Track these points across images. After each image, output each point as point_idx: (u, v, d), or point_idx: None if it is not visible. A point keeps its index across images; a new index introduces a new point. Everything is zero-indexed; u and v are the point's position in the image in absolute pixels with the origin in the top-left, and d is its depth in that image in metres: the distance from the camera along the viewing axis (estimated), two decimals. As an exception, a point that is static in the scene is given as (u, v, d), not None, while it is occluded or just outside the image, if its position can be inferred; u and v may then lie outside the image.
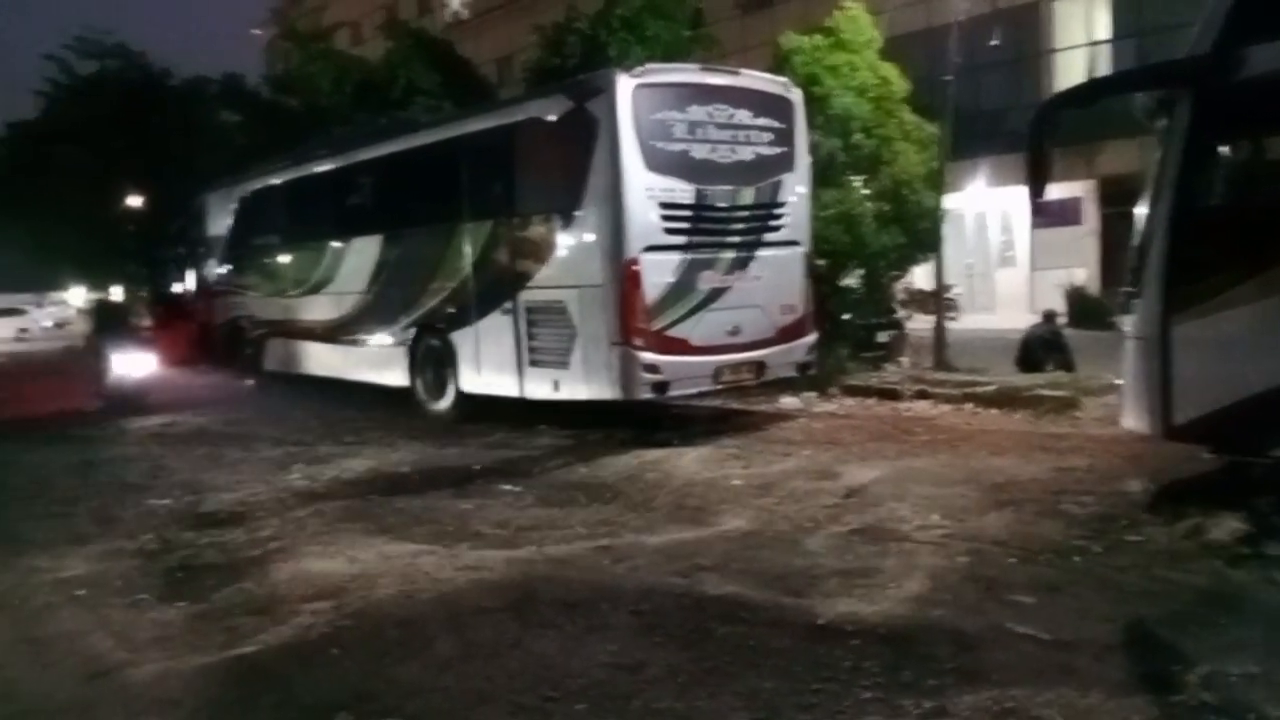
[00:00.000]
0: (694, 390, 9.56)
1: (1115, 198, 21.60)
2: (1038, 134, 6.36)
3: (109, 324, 14.64)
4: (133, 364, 13.30)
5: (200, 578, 5.69)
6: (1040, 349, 12.04)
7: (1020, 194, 23.22)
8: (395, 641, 4.56)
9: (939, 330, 12.35)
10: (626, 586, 5.21)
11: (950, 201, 13.43)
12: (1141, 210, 6.17)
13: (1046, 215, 20.84)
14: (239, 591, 5.39)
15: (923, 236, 12.66)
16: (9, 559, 6.18)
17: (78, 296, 48.44)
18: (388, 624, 4.77)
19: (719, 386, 9.62)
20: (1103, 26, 23.04)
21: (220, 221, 15.86)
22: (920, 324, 14.76)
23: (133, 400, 13.04)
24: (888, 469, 7.69)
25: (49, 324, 45.99)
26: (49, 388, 15.97)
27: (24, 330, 43.03)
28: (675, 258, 9.13)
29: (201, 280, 16.76)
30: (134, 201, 25.12)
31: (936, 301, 12.60)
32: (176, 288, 18.09)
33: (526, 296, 9.86)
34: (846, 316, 12.42)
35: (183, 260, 17.56)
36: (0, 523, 7.30)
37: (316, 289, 13.39)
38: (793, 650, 4.26)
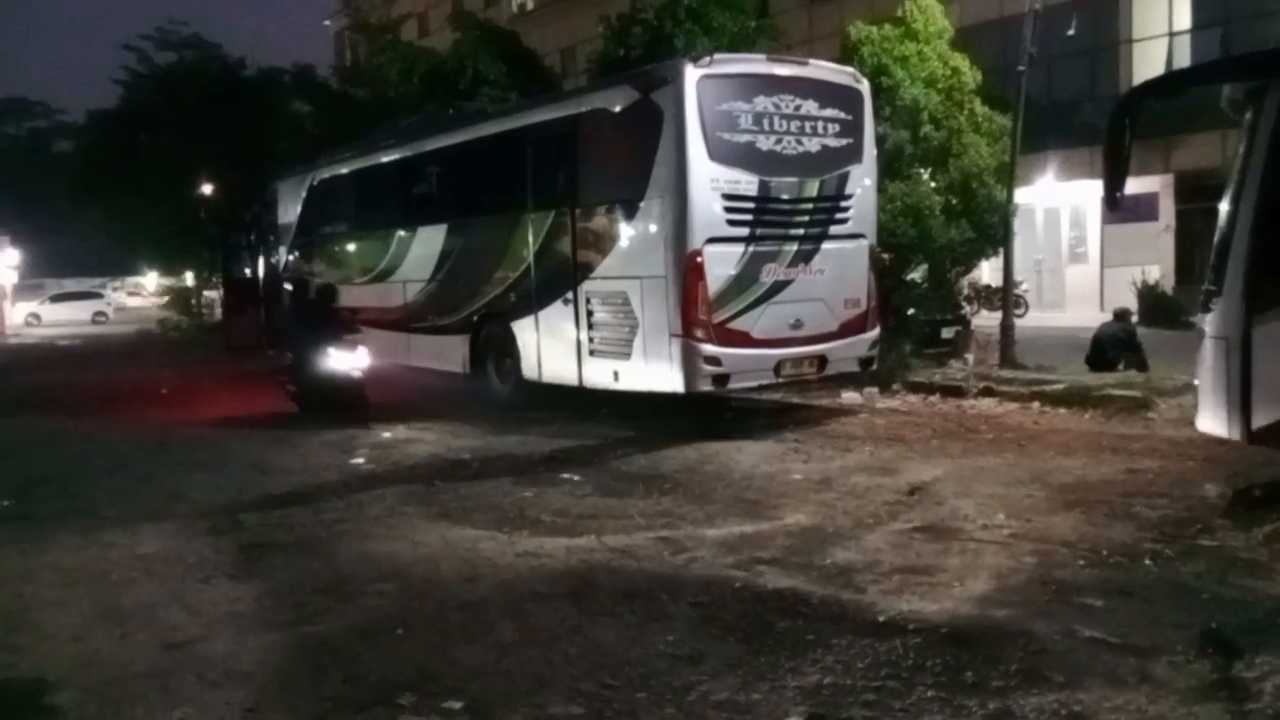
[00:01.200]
0: (754, 383, 9.52)
1: (1192, 192, 20.97)
2: (1118, 126, 6.19)
3: (305, 308, 11.63)
4: (345, 359, 10.67)
5: (269, 556, 5.83)
6: (1112, 347, 11.73)
7: (1094, 188, 22.69)
8: (457, 624, 4.62)
9: (1006, 327, 12.10)
10: (686, 578, 5.22)
11: (1020, 196, 13.13)
12: (1224, 206, 5.97)
13: (1122, 210, 20.29)
14: (306, 570, 5.52)
15: (992, 231, 12.41)
16: (90, 534, 6.39)
17: (151, 281, 49.97)
18: (450, 607, 4.84)
19: (780, 380, 9.56)
20: (1184, 16, 22.31)
21: (290, 209, 16.17)
22: (986, 320, 14.50)
23: (347, 402, 10.64)
24: (951, 467, 7.58)
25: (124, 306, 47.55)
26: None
27: (100, 313, 44.43)
28: (738, 250, 9.08)
29: (272, 266, 17.10)
30: (209, 189, 25.76)
31: (1005, 298, 12.33)
32: (247, 273, 18.47)
33: (588, 286, 9.89)
34: (911, 311, 12.23)
35: (254, 246, 17.93)
36: (80, 500, 7.55)
37: (382, 276, 13.60)
38: (854, 646, 4.22)
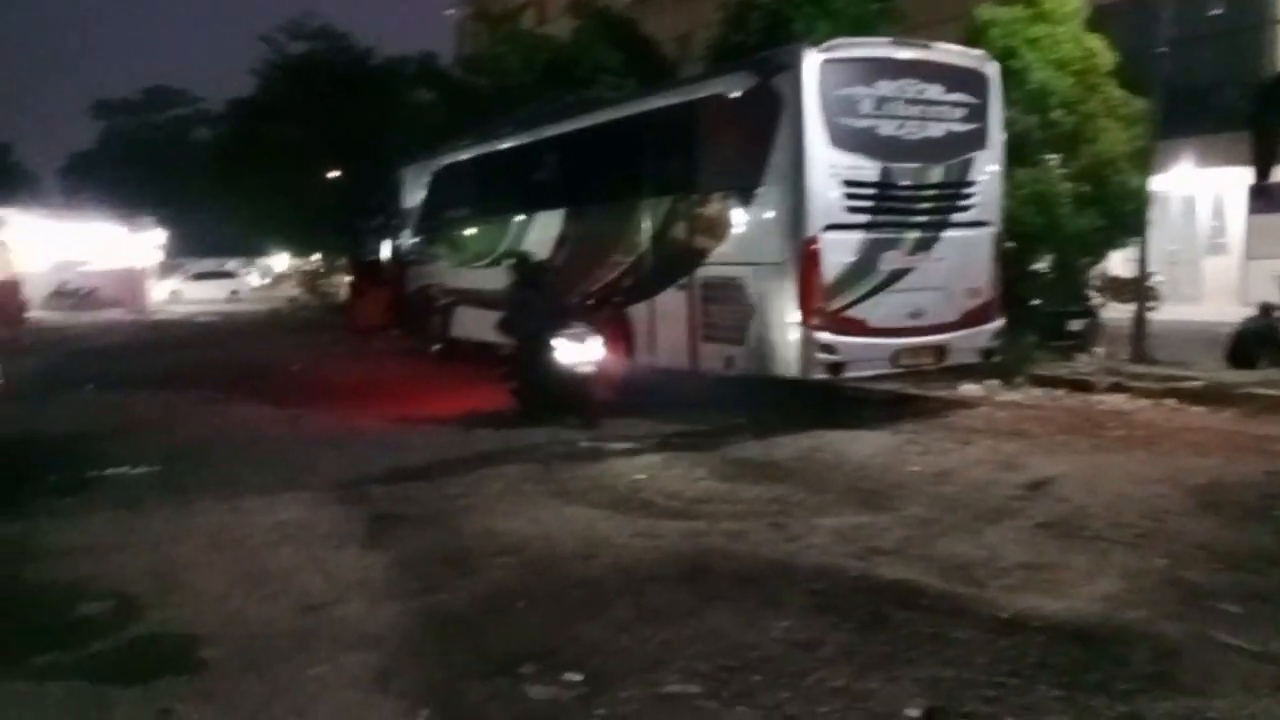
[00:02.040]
0: (871, 372, 9.41)
1: (1349, 182, 19.60)
2: (1267, 111, 5.85)
3: (526, 291, 10.03)
4: (574, 351, 9.24)
5: (396, 527, 6.08)
6: (1255, 344, 11.12)
7: (1237, 176, 21.50)
8: (576, 601, 4.74)
9: (1139, 320, 11.59)
10: (801, 565, 5.22)
11: (1155, 183, 12.51)
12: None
13: (1269, 198, 19.13)
14: (432, 542, 5.74)
15: (1126, 219, 11.87)
16: (230, 501, 6.78)
17: (281, 262, 52.25)
18: (569, 583, 4.97)
19: (897, 370, 9.42)
20: (1341, -7, 20.84)
21: (415, 194, 16.70)
22: (1113, 313, 13.92)
23: (573, 402, 9.31)
24: (1077, 463, 7.35)
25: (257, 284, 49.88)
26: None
27: (234, 292, 46.68)
28: (857, 237, 8.97)
29: (396, 249, 17.71)
30: (337, 174, 26.75)
31: (1138, 289, 11.80)
32: (372, 256, 19.20)
33: (703, 272, 9.92)
34: (1035, 302, 11.82)
35: (380, 230, 18.60)
36: (220, 469, 8.01)
37: (501, 260, 13.89)
38: (974, 641, 4.16)
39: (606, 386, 9.68)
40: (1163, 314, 18.48)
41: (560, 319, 9.48)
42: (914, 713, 3.58)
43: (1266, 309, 11.86)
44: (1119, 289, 15.68)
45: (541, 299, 9.85)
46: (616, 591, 4.84)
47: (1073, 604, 4.55)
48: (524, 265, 10.63)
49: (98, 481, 7.51)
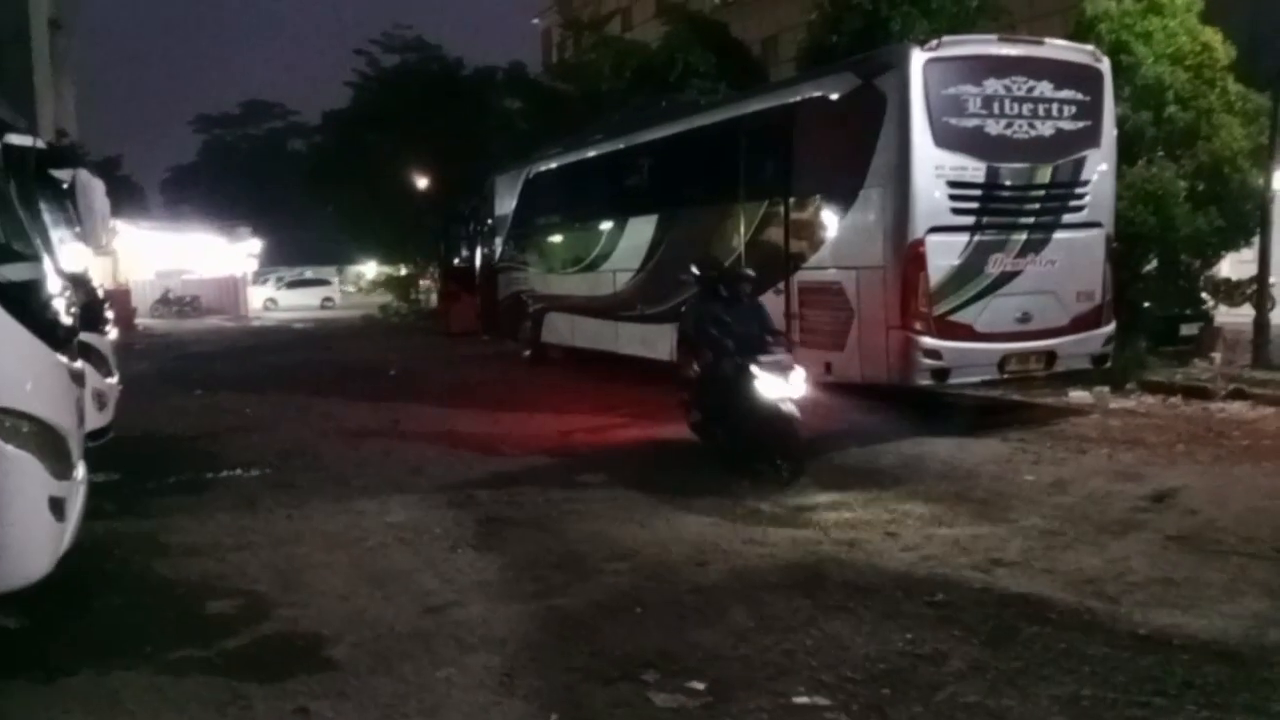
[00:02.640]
0: (977, 378, 9.16)
1: None
2: None
3: (717, 304, 8.05)
4: (774, 384, 7.22)
5: (505, 531, 6.13)
6: (1389, 349, 10.54)
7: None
8: (692, 607, 4.70)
9: (1260, 324, 11.06)
10: (918, 575, 5.10)
11: (1275, 181, 11.94)
12: None
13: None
14: (541, 546, 5.76)
15: (1245, 220, 11.35)
16: (343, 502, 6.92)
17: (370, 270, 53.50)
18: (683, 589, 4.93)
19: (1004, 376, 9.16)
20: None
21: (506, 202, 16.90)
22: (1224, 317, 13.35)
23: (771, 446, 7.34)
24: (1201, 475, 7.05)
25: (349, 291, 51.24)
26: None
27: (327, 299, 47.94)
28: (962, 239, 8.76)
29: (487, 256, 17.94)
30: (428, 183, 27.28)
31: (1260, 292, 11.28)
32: (465, 262, 19.47)
33: (801, 276, 9.81)
34: (1147, 305, 11.38)
35: (472, 237, 18.86)
36: (330, 470, 8.18)
37: (592, 267, 13.97)
38: (1111, 658, 3.99)
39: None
40: (1276, 318, 17.70)
41: (757, 340, 7.64)
42: (1058, 732, 3.44)
43: None
44: (1229, 292, 15.03)
45: (734, 313, 7.92)
46: (732, 599, 4.79)
47: (1214, 621, 4.34)
48: (712, 270, 8.74)
49: (215, 482, 7.75)
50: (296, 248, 52.12)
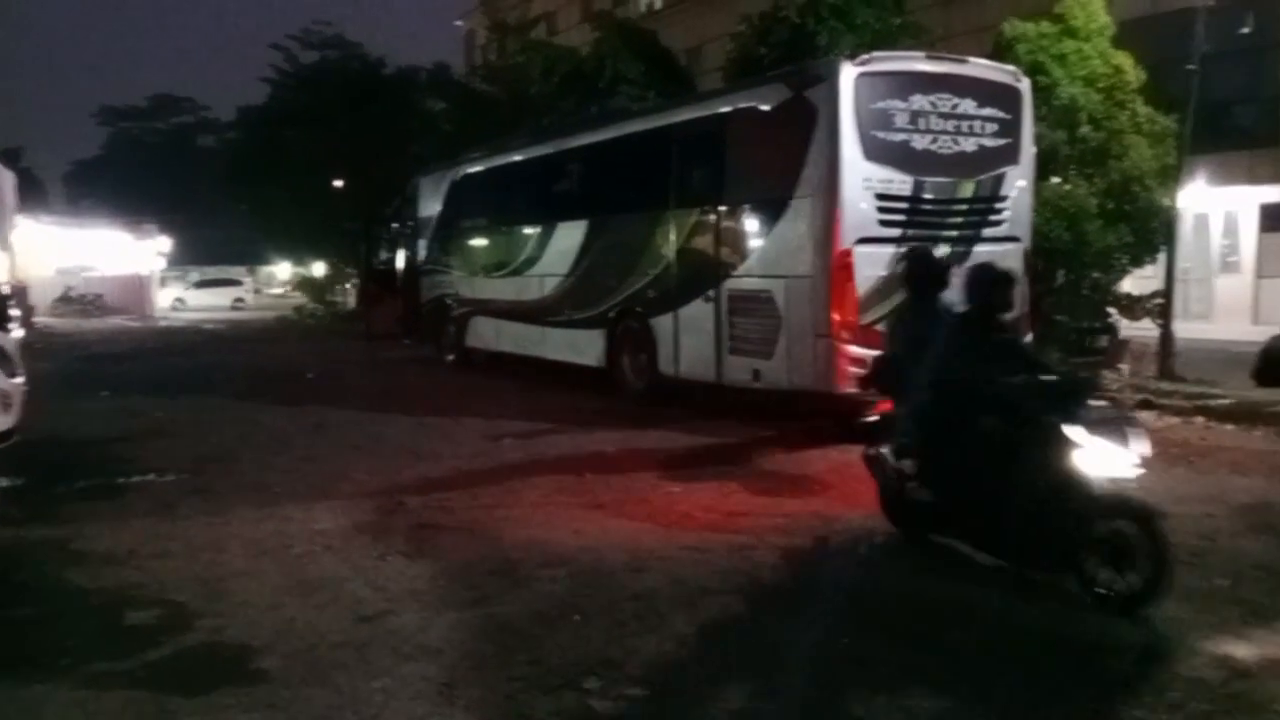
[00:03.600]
0: (901, 387, 9.32)
1: (1363, 201, 19.63)
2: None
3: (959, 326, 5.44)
4: (1108, 454, 4.75)
5: (437, 537, 6.01)
6: (1284, 362, 11.08)
7: (1251, 195, 21.38)
8: (631, 614, 4.67)
9: (1166, 337, 11.55)
10: (852, 580, 5.17)
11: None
12: None
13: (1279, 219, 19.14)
14: (475, 553, 5.67)
15: (1152, 236, 11.86)
16: (266, 508, 6.71)
17: (284, 271, 52.24)
18: (622, 596, 4.90)
19: (927, 385, 9.33)
20: (1358, 13, 20.87)
21: (430, 204, 16.64)
22: (1128, 330, 13.90)
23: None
24: (1116, 481, 7.27)
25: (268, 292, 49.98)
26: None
27: (239, 299, 46.61)
28: (888, 251, 8.89)
29: (410, 258, 17.64)
30: (348, 183, 26.72)
31: (1166, 307, 11.78)
32: (387, 264, 19.11)
33: (730, 285, 9.88)
34: (1060, 318, 11.79)
35: (394, 239, 18.52)
36: (251, 476, 7.93)
37: (519, 271, 13.86)
38: (1040, 661, 4.11)
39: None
40: (1174, 331, 18.47)
41: (1052, 388, 5.06)
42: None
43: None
44: (1129, 306, 15.66)
45: (986, 336, 5.29)
46: (671, 605, 4.77)
47: (1137, 624, 4.48)
48: (936, 268, 6.15)
49: (129, 487, 7.44)
50: (207, 246, 50.61)
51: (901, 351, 5.91)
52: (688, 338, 10.49)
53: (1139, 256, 12.16)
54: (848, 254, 8.73)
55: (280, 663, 4.11)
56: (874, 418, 5.96)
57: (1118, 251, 11.75)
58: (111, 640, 4.35)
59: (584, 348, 12.32)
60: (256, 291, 49.94)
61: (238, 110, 34.51)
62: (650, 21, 30.17)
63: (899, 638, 4.37)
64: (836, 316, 8.77)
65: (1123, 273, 12.66)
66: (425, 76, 28.06)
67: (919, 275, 6.18)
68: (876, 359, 6.62)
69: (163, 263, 42.93)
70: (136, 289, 39.02)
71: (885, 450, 5.81)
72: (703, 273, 10.23)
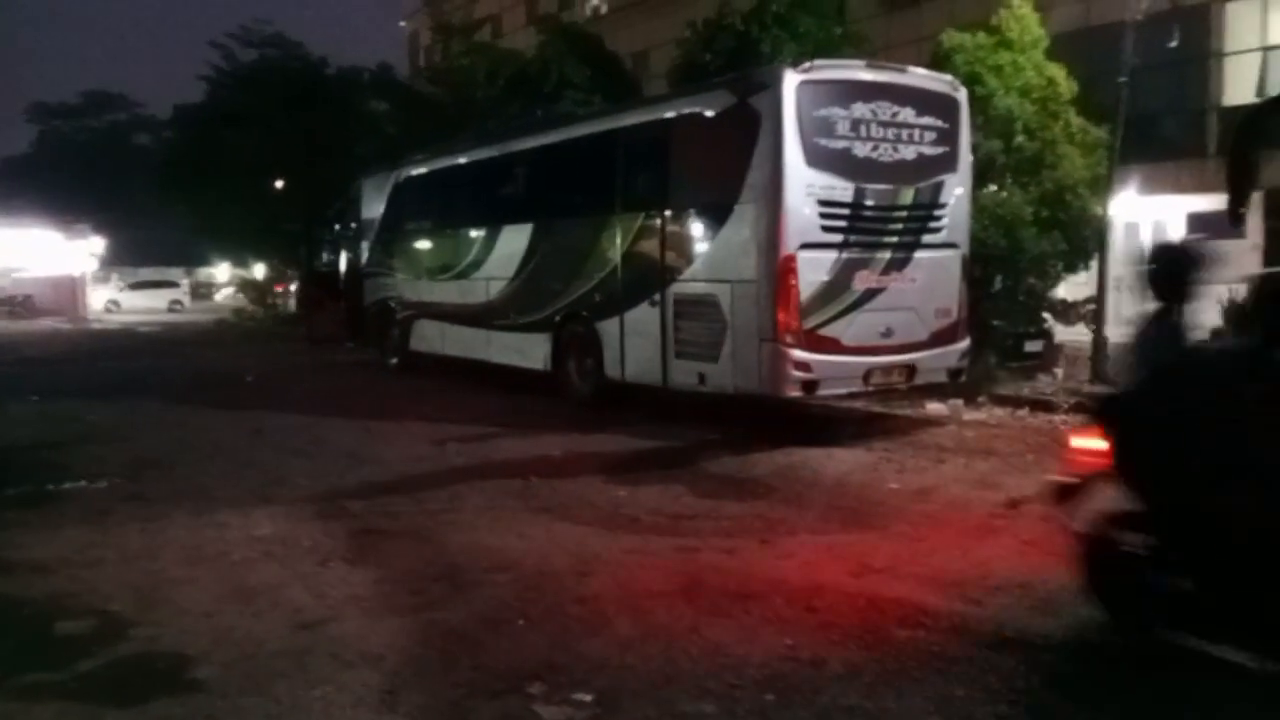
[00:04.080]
0: (843, 390, 9.47)
1: (1283, 211, 20.34)
2: (1244, 141, 6.06)
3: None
4: None
5: (380, 543, 5.96)
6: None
7: (1178, 204, 22.06)
8: (576, 617, 4.68)
9: (1098, 342, 11.88)
10: (797, 582, 5.22)
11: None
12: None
13: (1207, 228, 19.76)
14: (419, 558, 5.62)
15: (1085, 243, 12.19)
16: (204, 514, 6.57)
17: (223, 273, 51.21)
18: (567, 600, 4.90)
19: (868, 389, 9.50)
20: (1279, 30, 21.67)
21: (374, 206, 16.45)
22: (1062, 335, 14.28)
23: None
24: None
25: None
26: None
27: (176, 302, 45.60)
28: (831, 256, 9.05)
29: (353, 261, 17.42)
30: (289, 184, 26.29)
31: (1099, 312, 12.11)
32: (328, 267, 18.85)
33: (676, 289, 9.93)
34: (996, 323, 12.06)
35: (336, 241, 18.28)
36: (188, 482, 7.77)
37: (464, 274, 13.77)
38: (980, 659, 4.18)
39: None
40: (1107, 336, 19.00)
41: None
42: (933, 731, 3.58)
43: (1215, 333, 12.21)
44: (1065, 312, 16.09)
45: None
46: (616, 608, 4.78)
47: (1071, 622, 4.59)
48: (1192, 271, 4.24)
49: (60, 494, 7.25)
50: (142, 247, 49.43)
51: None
52: (633, 341, 10.52)
53: (1073, 263, 12.49)
54: (791, 259, 8.84)
55: (217, 672, 4.04)
56: (1075, 478, 4.36)
57: (1052, 258, 12.06)
58: (42, 651, 4.23)
59: (530, 351, 12.28)
60: (232, 290, 48.74)
61: (174, 108, 33.74)
62: (596, 26, 30.21)
63: (849, 638, 4.42)
64: (780, 320, 8.87)
65: (1057, 279, 12.99)
66: (368, 77, 27.72)
67: (1177, 277, 4.24)
68: (1104, 397, 5.09)
69: (96, 264, 41.87)
70: (68, 290, 37.99)
71: (1105, 519, 4.33)
72: (648, 277, 10.27)
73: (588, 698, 3.86)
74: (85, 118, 64.87)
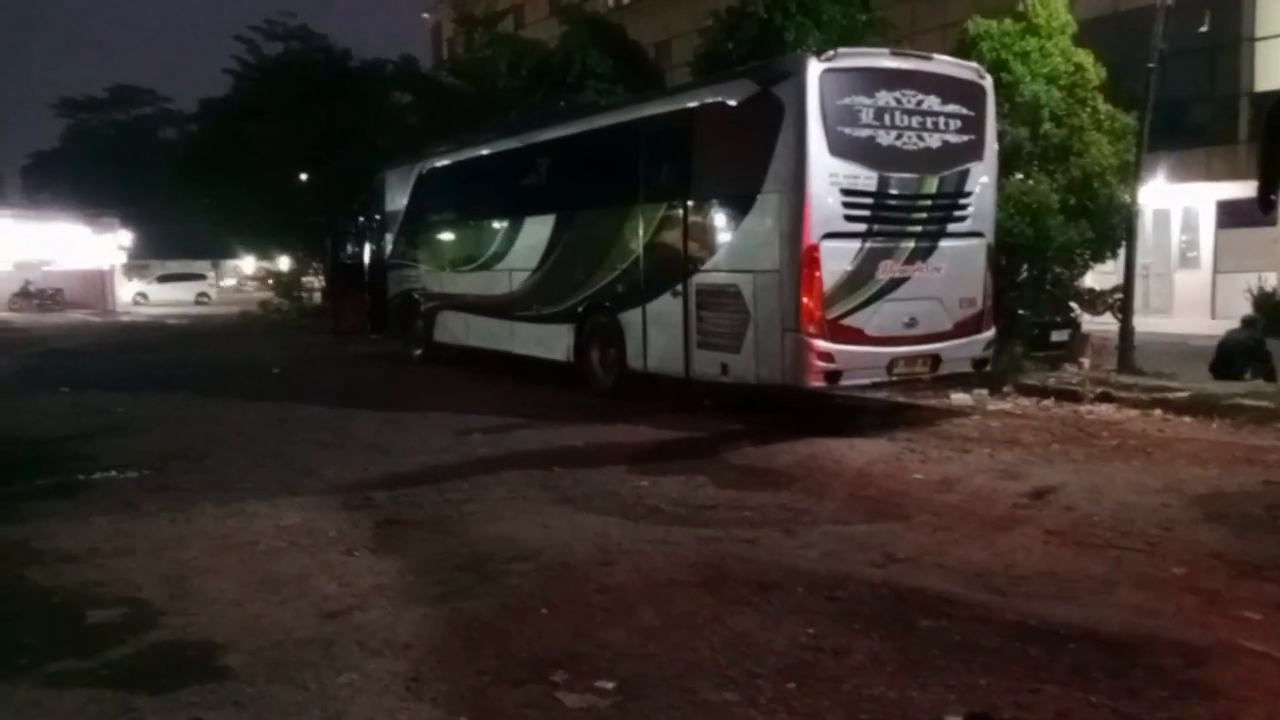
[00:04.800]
0: (866, 381, 9.43)
1: (1316, 198, 20.00)
2: (1275, 127, 5.95)
3: None
4: None
5: (404, 533, 6.00)
6: (1240, 356, 11.30)
7: (1208, 191, 21.83)
8: (599, 606, 4.69)
9: (1125, 331, 11.76)
10: (819, 572, 5.21)
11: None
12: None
13: (1238, 215, 19.52)
14: (443, 548, 5.66)
15: (1112, 232, 12.06)
16: (231, 505, 6.65)
17: (249, 265, 51.68)
18: (590, 589, 4.91)
19: (892, 379, 9.44)
20: (1313, 13, 21.31)
21: (397, 198, 16.53)
22: (1089, 325, 14.14)
23: None
24: (1076, 472, 7.41)
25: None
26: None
27: (203, 295, 46.09)
28: (855, 245, 8.99)
29: (377, 253, 17.52)
30: (314, 176, 26.47)
31: (1126, 302, 11.98)
32: (352, 259, 18.96)
33: (699, 279, 9.92)
34: (1022, 313, 11.96)
35: (361, 233, 18.38)
36: (215, 473, 7.86)
37: (488, 265, 13.82)
38: (1005, 649, 4.16)
39: None
40: (1135, 326, 18.83)
41: None
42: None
43: (1249, 321, 12.08)
44: (1092, 301, 15.93)
45: None
46: (639, 598, 4.80)
47: (1097, 611, 4.57)
48: None
49: (90, 485, 7.35)
50: (169, 240, 49.99)
51: None
52: (656, 332, 10.52)
53: (1100, 252, 12.36)
54: (815, 249, 8.79)
55: (245, 660, 4.09)
56: None
57: (1079, 247, 11.94)
58: (72, 639, 4.30)
59: (552, 342, 12.31)
60: (255, 283, 48.97)
61: (200, 102, 34.09)
62: (618, 15, 30.18)
63: (873, 627, 4.41)
64: (804, 311, 8.83)
65: (1084, 268, 12.85)
66: (391, 69, 27.88)
67: None
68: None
69: (124, 256, 42.36)
70: (97, 283, 38.49)
71: None
72: (671, 267, 10.26)
73: (610, 686, 3.87)
74: (112, 111, 65.64)
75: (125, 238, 41.61)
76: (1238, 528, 5.84)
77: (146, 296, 44.19)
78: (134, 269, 46.35)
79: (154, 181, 43.53)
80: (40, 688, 3.84)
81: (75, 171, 57.91)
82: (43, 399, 12.01)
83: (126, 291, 42.33)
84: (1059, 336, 12.82)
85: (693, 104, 10.29)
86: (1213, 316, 21.14)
